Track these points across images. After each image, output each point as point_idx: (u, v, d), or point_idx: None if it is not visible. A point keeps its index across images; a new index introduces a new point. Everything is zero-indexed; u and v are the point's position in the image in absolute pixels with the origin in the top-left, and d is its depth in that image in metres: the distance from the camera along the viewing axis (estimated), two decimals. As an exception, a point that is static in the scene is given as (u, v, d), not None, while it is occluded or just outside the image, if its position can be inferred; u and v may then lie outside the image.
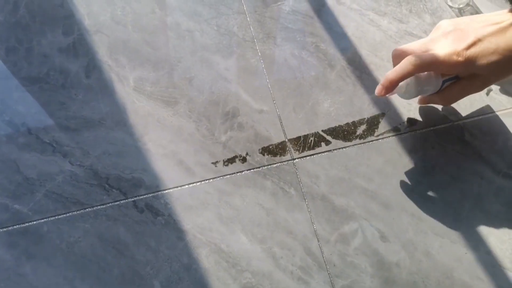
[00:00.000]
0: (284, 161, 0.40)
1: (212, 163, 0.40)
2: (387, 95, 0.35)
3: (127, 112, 0.40)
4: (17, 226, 0.37)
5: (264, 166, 0.40)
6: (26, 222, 0.37)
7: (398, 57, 0.36)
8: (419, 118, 0.42)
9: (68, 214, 0.37)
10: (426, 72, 0.35)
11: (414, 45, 0.35)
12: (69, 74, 0.41)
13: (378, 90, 0.35)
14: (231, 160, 0.40)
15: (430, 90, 0.36)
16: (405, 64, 0.33)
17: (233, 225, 0.38)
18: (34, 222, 0.37)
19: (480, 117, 0.42)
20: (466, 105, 0.43)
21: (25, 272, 0.36)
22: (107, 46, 0.43)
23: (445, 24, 0.34)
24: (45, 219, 0.37)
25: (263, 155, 0.40)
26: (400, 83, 0.35)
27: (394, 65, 0.37)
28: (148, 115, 0.40)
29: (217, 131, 0.41)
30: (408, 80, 0.35)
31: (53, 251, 0.36)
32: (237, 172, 0.39)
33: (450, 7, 0.46)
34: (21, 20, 0.43)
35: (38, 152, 0.39)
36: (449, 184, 0.40)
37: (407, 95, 0.37)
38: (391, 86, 0.34)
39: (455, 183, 0.40)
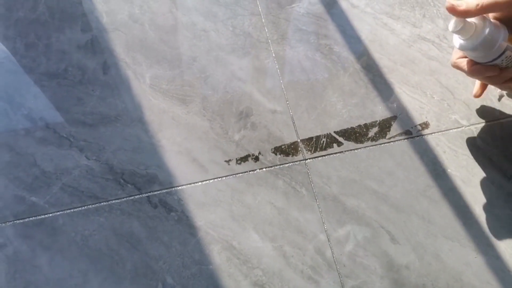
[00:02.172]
0: (296, 161, 0.40)
1: (225, 161, 0.40)
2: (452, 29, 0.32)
3: (142, 109, 0.41)
4: (33, 218, 0.38)
5: (276, 165, 0.40)
6: (42, 215, 0.38)
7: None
8: (431, 122, 0.42)
9: (83, 208, 0.38)
10: (494, 21, 0.33)
11: None
12: (86, 71, 0.42)
13: (448, 4, 0.32)
14: (243, 159, 0.40)
15: (498, 38, 0.32)
16: None
17: (245, 223, 0.38)
18: (50, 215, 0.38)
19: (492, 122, 0.42)
20: (477, 110, 0.43)
21: (40, 263, 0.36)
22: (124, 44, 0.43)
23: None
24: (60, 212, 0.38)
25: (276, 154, 0.41)
26: (468, 20, 0.32)
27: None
28: (163, 113, 0.41)
29: (231, 130, 0.41)
30: (476, 21, 0.32)
31: (68, 244, 0.37)
32: (249, 171, 0.40)
33: (464, 12, 0.46)
34: (40, 17, 0.44)
35: (55, 146, 0.40)
36: (460, 188, 0.40)
37: (473, 39, 0.33)
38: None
39: (465, 187, 0.40)
